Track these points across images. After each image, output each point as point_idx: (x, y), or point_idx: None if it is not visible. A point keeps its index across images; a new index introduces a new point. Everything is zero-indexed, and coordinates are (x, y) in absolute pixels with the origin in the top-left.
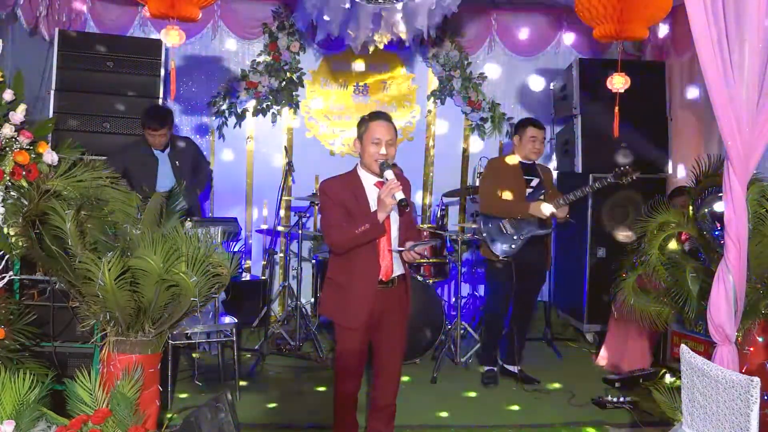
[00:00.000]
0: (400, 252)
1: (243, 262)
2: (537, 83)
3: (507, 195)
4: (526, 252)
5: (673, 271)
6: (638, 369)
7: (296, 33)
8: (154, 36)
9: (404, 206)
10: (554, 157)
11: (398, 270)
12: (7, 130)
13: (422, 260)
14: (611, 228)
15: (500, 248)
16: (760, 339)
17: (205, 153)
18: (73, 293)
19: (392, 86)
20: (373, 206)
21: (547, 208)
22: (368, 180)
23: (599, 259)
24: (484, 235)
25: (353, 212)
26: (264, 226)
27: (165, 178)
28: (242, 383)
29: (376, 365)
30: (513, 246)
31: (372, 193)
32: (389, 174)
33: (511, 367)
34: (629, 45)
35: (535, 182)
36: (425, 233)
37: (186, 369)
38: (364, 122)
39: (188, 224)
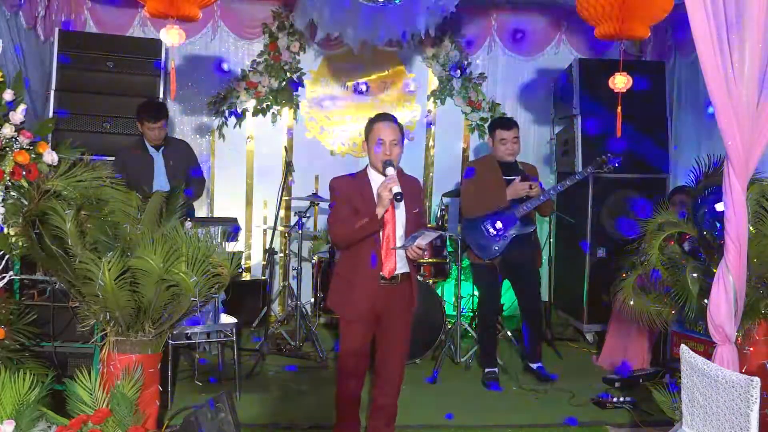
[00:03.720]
0: (404, 248)
1: (243, 262)
2: (537, 83)
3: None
4: (513, 253)
5: (673, 271)
6: (638, 369)
7: (296, 33)
8: (154, 36)
9: (398, 200)
10: (554, 157)
11: (402, 268)
12: (7, 130)
13: (422, 260)
14: (611, 228)
15: (485, 251)
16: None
17: (205, 153)
18: (73, 293)
19: (393, 86)
20: None
21: (522, 185)
22: (376, 179)
23: (599, 259)
24: (468, 239)
25: (360, 210)
26: (264, 227)
27: (160, 177)
28: (242, 383)
29: (378, 364)
30: (497, 247)
31: None
32: (390, 171)
33: (533, 365)
34: (630, 45)
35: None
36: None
37: (186, 369)
38: (369, 124)
39: (188, 224)
